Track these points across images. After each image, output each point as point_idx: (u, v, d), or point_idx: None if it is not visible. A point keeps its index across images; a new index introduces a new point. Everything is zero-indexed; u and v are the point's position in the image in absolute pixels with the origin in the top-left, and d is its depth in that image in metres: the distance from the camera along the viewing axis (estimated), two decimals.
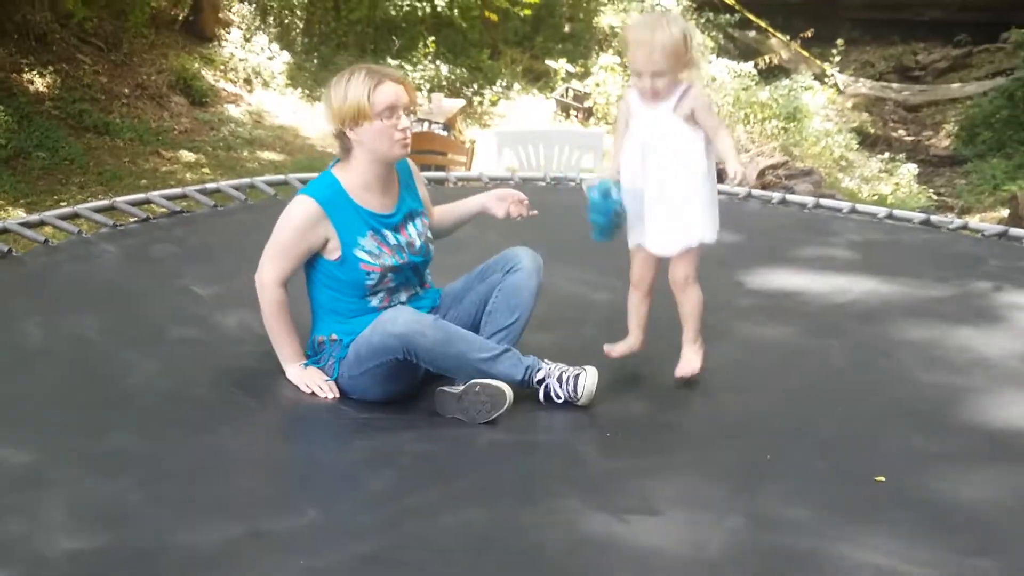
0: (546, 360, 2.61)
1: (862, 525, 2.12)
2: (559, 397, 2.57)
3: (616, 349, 2.81)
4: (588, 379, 2.56)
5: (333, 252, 2.62)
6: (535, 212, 2.89)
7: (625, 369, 2.87)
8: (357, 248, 2.61)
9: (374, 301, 2.67)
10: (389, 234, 2.67)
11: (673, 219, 2.61)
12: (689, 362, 2.73)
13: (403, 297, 2.73)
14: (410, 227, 2.73)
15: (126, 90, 9.37)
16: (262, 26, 11.28)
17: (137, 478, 2.20)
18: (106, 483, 2.17)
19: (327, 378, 2.64)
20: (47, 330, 2.93)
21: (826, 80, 13.22)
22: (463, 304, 2.79)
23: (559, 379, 2.56)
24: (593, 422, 2.57)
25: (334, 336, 2.67)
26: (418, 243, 2.74)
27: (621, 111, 2.71)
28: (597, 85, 12.27)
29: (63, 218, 3.80)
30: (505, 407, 2.49)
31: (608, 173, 2.77)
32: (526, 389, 2.58)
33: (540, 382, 2.58)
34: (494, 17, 11.24)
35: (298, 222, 2.61)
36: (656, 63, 2.46)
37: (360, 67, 2.60)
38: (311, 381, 2.64)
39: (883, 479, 2.29)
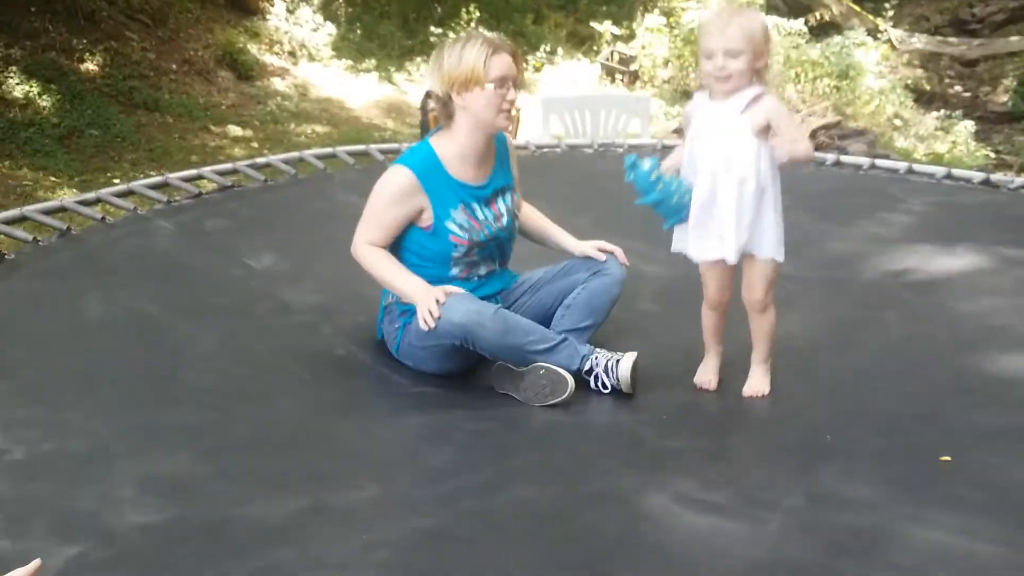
0: (598, 349, 2.60)
1: (926, 503, 2.09)
2: (606, 388, 2.57)
3: (707, 379, 2.64)
4: (623, 365, 2.55)
5: (425, 221, 2.64)
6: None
7: (679, 349, 2.85)
8: (448, 220, 2.63)
9: (455, 271, 2.69)
10: (478, 207, 2.67)
11: (715, 224, 2.42)
12: (758, 383, 2.60)
13: (482, 271, 2.75)
14: (500, 201, 2.73)
15: (174, 66, 9.45)
16: None
17: (200, 451, 2.25)
18: (170, 456, 2.22)
19: (448, 293, 2.55)
20: (107, 306, 3.00)
21: (879, 36, 12.85)
22: (539, 294, 2.79)
23: (606, 368, 2.56)
24: (649, 405, 2.57)
25: (405, 301, 2.67)
26: (505, 219, 2.74)
27: (685, 114, 2.59)
28: (643, 48, 12.08)
29: (118, 195, 3.86)
30: (566, 395, 2.50)
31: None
32: (583, 377, 2.58)
33: (589, 372, 2.57)
34: None
35: (394, 191, 2.63)
36: (731, 39, 2.30)
37: (476, 34, 2.62)
38: (431, 300, 2.52)
39: (948, 459, 2.24)
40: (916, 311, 3.13)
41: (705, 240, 2.45)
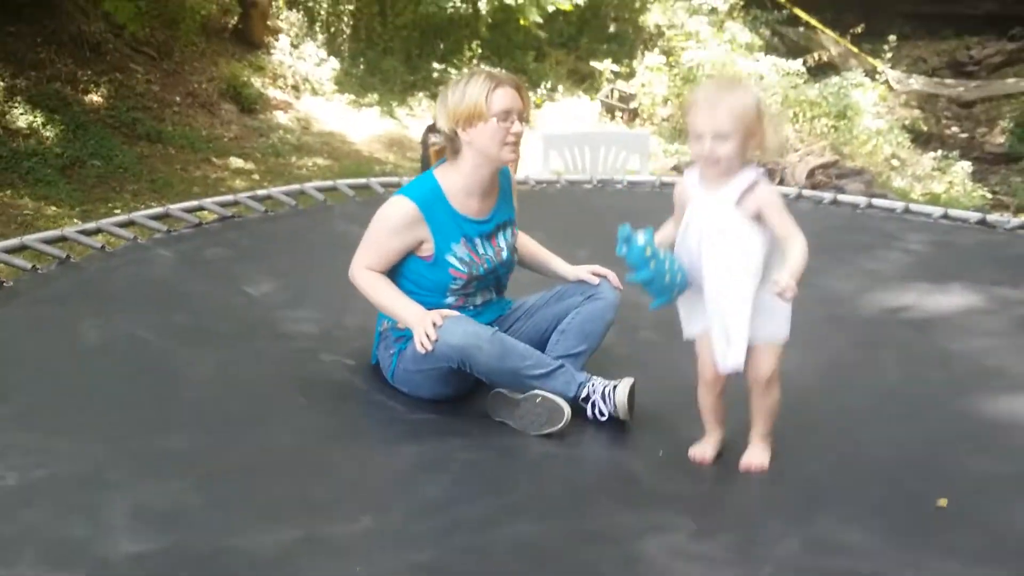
0: (595, 377, 2.60)
1: (923, 549, 2.07)
2: (603, 414, 2.56)
3: (706, 453, 2.45)
4: (619, 391, 2.54)
5: (426, 252, 2.65)
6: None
7: (676, 380, 2.83)
8: (449, 253, 2.64)
9: (450, 299, 2.70)
10: (480, 242, 2.69)
11: (736, 328, 2.27)
12: (758, 456, 2.41)
13: (478, 300, 2.76)
14: (501, 236, 2.75)
15: (177, 98, 9.53)
16: (310, 33, 11.41)
17: (195, 479, 2.24)
18: (165, 484, 2.22)
19: (444, 316, 2.55)
20: (105, 333, 3.01)
21: (877, 77, 12.98)
22: (534, 319, 2.80)
23: (603, 395, 2.56)
24: (646, 439, 2.55)
25: (401, 326, 2.68)
26: (505, 253, 2.76)
27: (676, 195, 2.40)
28: (643, 86, 12.20)
29: (119, 225, 3.88)
30: (561, 424, 2.49)
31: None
32: (579, 404, 2.57)
33: (586, 400, 2.57)
34: (525, 21, 11.22)
35: (393, 222, 2.65)
36: (720, 122, 2.16)
37: (480, 70, 2.65)
38: (427, 323, 2.52)
39: (945, 503, 2.23)
40: (912, 351, 3.13)
41: (701, 316, 2.33)
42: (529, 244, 2.95)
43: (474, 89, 2.57)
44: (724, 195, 2.23)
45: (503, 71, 2.65)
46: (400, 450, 2.51)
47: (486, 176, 2.66)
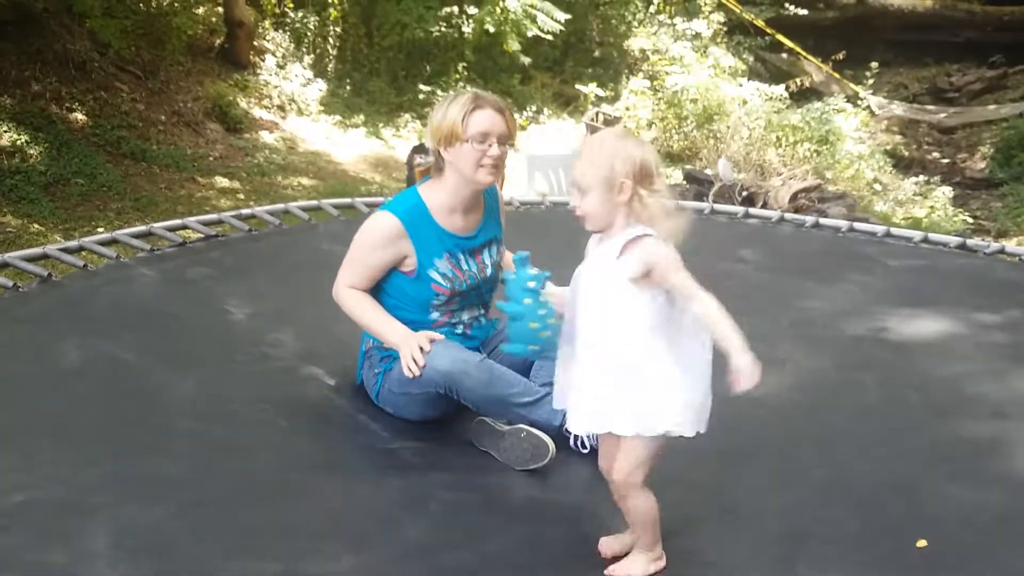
0: None
1: None
2: (585, 447, 2.55)
3: (608, 545, 2.18)
4: None
5: (408, 267, 2.65)
6: None
7: None
8: (432, 269, 2.64)
9: (434, 315, 2.69)
10: (464, 258, 2.69)
11: (586, 390, 1.99)
12: (623, 568, 2.10)
13: (465, 317, 2.75)
14: (486, 253, 2.75)
15: (163, 117, 9.52)
16: (296, 53, 11.43)
17: (175, 505, 2.22)
18: (146, 510, 2.20)
19: (432, 340, 2.53)
20: (86, 352, 2.99)
21: (859, 102, 13.13)
22: None
23: None
24: None
25: (386, 346, 2.67)
26: (489, 270, 2.76)
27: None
28: (627, 109, 12.29)
29: (102, 244, 3.86)
30: (546, 461, 2.47)
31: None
32: (563, 433, 2.52)
33: (569, 431, 2.55)
34: (510, 48, 11.31)
35: (376, 237, 2.64)
36: (580, 174, 2.00)
37: (467, 92, 2.65)
38: (414, 346, 2.51)
39: (924, 543, 2.22)
40: (892, 374, 3.15)
41: (578, 407, 2.03)
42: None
43: (455, 110, 2.58)
44: (605, 251, 2.00)
45: (490, 94, 2.65)
46: (383, 483, 2.45)
47: (467, 195, 2.67)
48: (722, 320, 1.91)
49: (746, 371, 1.86)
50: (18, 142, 7.89)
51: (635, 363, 1.94)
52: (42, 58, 8.79)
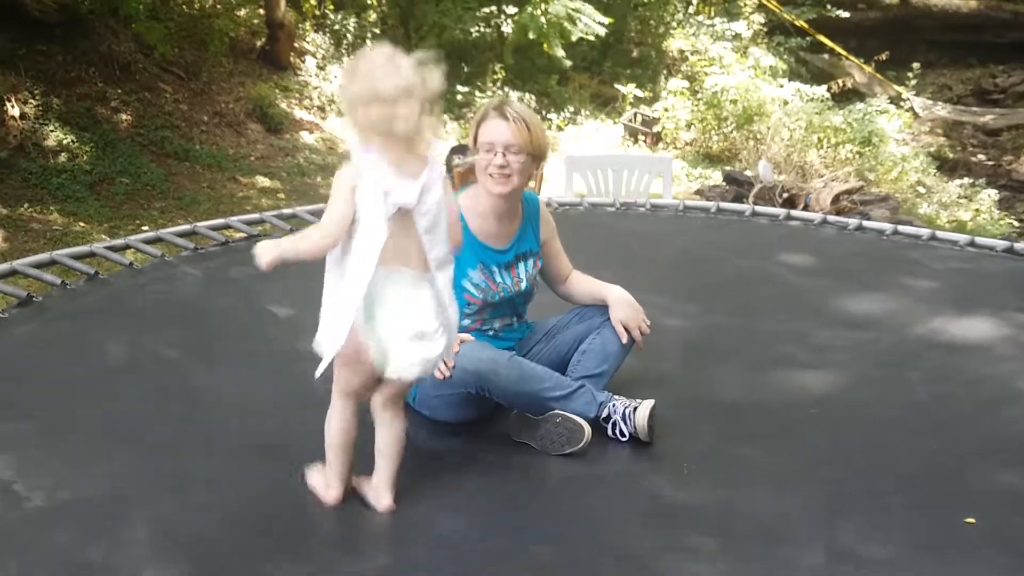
0: (616, 397, 2.59)
1: (946, 564, 2.06)
2: (624, 435, 2.55)
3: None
4: (640, 413, 2.53)
5: None
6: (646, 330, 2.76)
7: (700, 402, 2.84)
8: (465, 279, 2.64)
9: (466, 321, 2.69)
10: (498, 271, 2.68)
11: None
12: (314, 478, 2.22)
13: (496, 325, 2.74)
14: (520, 267, 2.73)
15: (205, 117, 9.65)
16: (336, 55, 11.53)
17: (216, 504, 2.23)
18: (186, 508, 2.21)
19: (461, 341, 2.51)
20: (132, 350, 3.03)
21: (902, 104, 12.95)
22: (555, 341, 2.78)
23: (623, 416, 2.55)
24: (668, 456, 2.53)
25: None
26: (524, 284, 2.74)
27: None
28: (666, 110, 12.24)
29: (147, 242, 3.92)
30: (582, 444, 2.47)
31: None
32: (600, 424, 2.56)
33: (606, 420, 2.56)
34: (550, 51, 11.31)
35: None
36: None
37: (496, 100, 2.65)
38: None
39: (973, 520, 2.21)
40: (939, 373, 3.10)
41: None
42: (582, 282, 2.87)
43: (476, 118, 2.63)
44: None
45: (516, 103, 2.64)
46: (418, 480, 2.45)
47: (497, 204, 2.65)
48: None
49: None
50: (65, 141, 8.04)
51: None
52: (88, 60, 8.95)
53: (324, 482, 2.21)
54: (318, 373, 2.06)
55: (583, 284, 2.85)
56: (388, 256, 1.93)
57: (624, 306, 2.73)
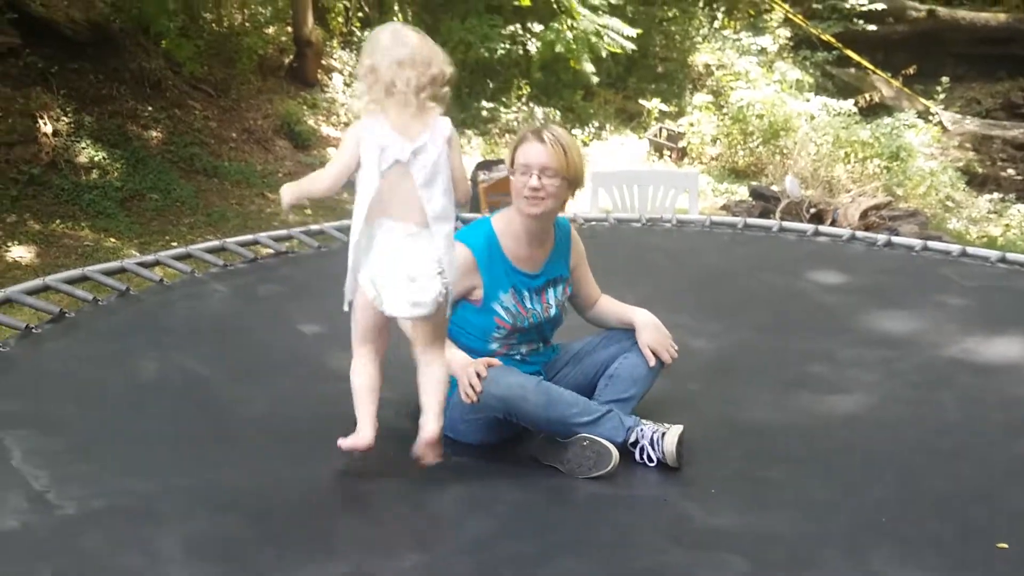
0: (644, 421, 2.58)
1: None
2: (651, 460, 2.53)
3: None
4: (668, 439, 2.51)
5: (476, 297, 2.66)
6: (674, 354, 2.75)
7: (728, 423, 2.82)
8: (496, 302, 2.65)
9: (494, 346, 2.69)
10: (528, 295, 2.69)
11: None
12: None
13: (523, 349, 2.75)
14: (550, 293, 2.73)
15: (234, 134, 9.76)
16: None
17: (246, 514, 2.26)
18: (218, 518, 2.24)
19: (489, 365, 2.53)
20: (163, 366, 3.06)
21: (930, 118, 12.85)
22: (582, 364, 2.77)
23: (651, 441, 2.53)
24: (696, 478, 2.52)
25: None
26: (553, 310, 2.74)
27: None
28: (691, 125, 12.21)
29: (176, 258, 3.96)
30: (610, 468, 2.46)
31: None
32: (628, 448, 2.55)
33: (634, 444, 2.55)
34: (577, 66, 11.35)
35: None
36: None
37: (533, 123, 2.69)
38: (471, 372, 2.51)
39: (1006, 546, 2.18)
40: (970, 393, 3.07)
41: None
42: (609, 306, 2.87)
43: (515, 140, 2.66)
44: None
45: (555, 127, 2.66)
46: (446, 490, 2.49)
47: (530, 226, 2.66)
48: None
49: None
50: (96, 158, 8.16)
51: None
52: (119, 77, 9.08)
53: (351, 437, 2.36)
54: (345, 307, 2.34)
55: (611, 308, 2.85)
56: (387, 207, 2.17)
57: (651, 330, 2.72)
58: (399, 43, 2.12)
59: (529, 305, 2.69)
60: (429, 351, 2.33)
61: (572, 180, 2.62)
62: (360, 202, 2.18)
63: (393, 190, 2.15)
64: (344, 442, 2.36)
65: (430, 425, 2.31)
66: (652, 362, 2.69)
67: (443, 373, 2.34)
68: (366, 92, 2.16)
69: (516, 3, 12.01)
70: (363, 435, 2.34)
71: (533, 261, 2.70)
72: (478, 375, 2.51)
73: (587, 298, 2.86)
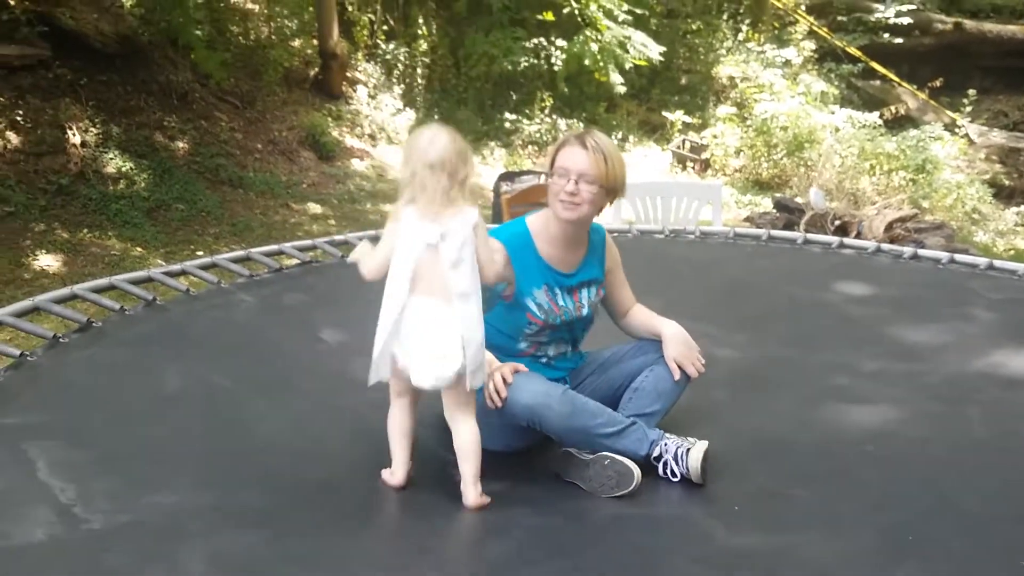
0: (668, 435, 2.56)
1: None
2: (675, 476, 2.51)
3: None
4: (693, 455, 2.49)
5: (508, 294, 2.65)
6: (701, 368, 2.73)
7: (752, 438, 2.80)
8: (529, 297, 2.65)
9: (523, 344, 2.69)
10: (561, 293, 2.69)
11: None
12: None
13: (551, 351, 2.74)
14: (583, 293, 2.74)
15: (259, 145, 9.84)
16: (387, 84, 11.69)
17: (268, 533, 2.26)
18: (240, 536, 2.24)
19: (515, 371, 2.53)
20: (187, 378, 3.08)
21: (957, 130, 12.74)
22: (608, 374, 2.76)
23: (675, 456, 2.52)
24: (720, 495, 2.50)
25: None
26: (585, 310, 2.74)
27: None
28: (715, 137, 12.18)
29: (202, 268, 4.00)
30: (631, 488, 2.44)
31: None
32: (651, 463, 2.53)
33: (658, 459, 2.53)
34: (603, 78, 11.35)
35: None
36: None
37: (579, 129, 2.70)
38: (497, 377, 2.51)
39: None
40: (999, 408, 3.03)
41: None
42: (640, 315, 2.86)
43: (557, 143, 2.66)
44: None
45: (599, 134, 2.66)
46: (467, 511, 2.47)
47: (567, 228, 2.66)
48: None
49: None
50: (123, 169, 8.25)
51: None
52: (147, 89, 9.18)
53: (390, 471, 2.51)
54: (369, 383, 2.46)
55: (641, 317, 2.85)
56: (417, 286, 2.35)
57: (678, 343, 2.70)
58: (433, 147, 2.34)
59: (562, 303, 2.68)
60: (458, 416, 2.45)
61: (610, 189, 2.62)
62: (393, 282, 2.37)
63: (423, 271, 2.35)
64: (383, 475, 2.52)
65: (469, 494, 2.43)
66: (677, 375, 2.67)
67: (473, 437, 2.44)
68: (405, 188, 2.38)
69: (540, 17, 12.06)
70: (396, 477, 2.50)
71: (567, 262, 2.71)
72: (504, 381, 2.51)
73: (620, 304, 2.86)
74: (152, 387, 2.99)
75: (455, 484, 2.46)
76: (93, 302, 3.61)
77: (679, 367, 2.67)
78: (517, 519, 2.40)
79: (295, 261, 4.24)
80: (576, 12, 11.43)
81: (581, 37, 11.23)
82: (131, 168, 8.28)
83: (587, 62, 11.14)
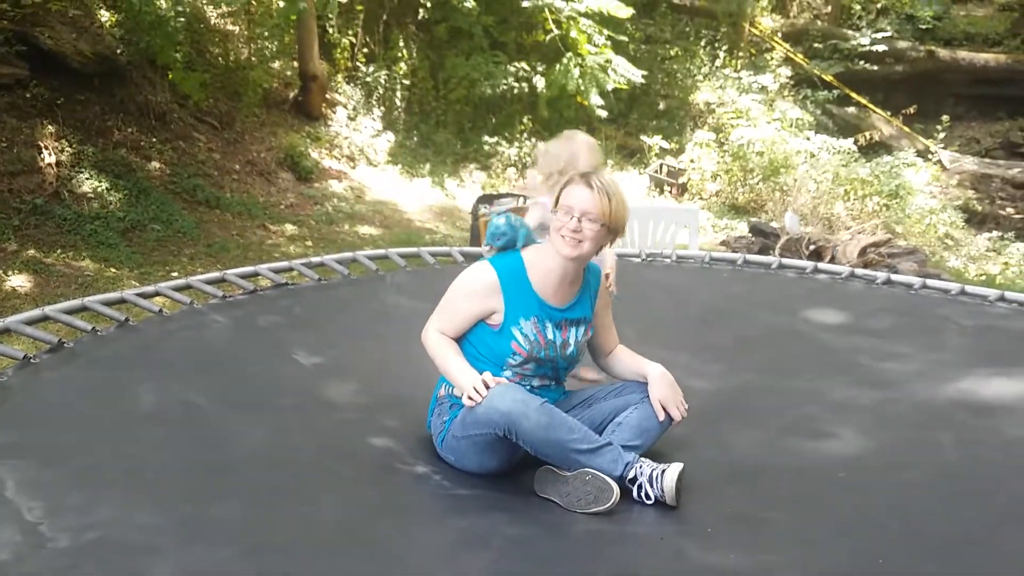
0: (643, 459, 2.57)
1: None
2: (649, 498, 2.53)
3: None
4: (667, 476, 2.51)
5: (495, 320, 2.69)
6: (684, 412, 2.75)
7: (726, 463, 2.81)
8: (516, 327, 2.67)
9: (507, 373, 2.71)
10: (551, 327, 2.70)
11: None
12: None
13: (535, 383, 2.75)
14: (572, 331, 2.75)
15: (237, 166, 9.81)
16: (367, 106, 11.71)
17: (242, 549, 2.25)
18: (212, 553, 2.22)
19: (496, 382, 2.57)
20: (160, 397, 3.05)
21: (930, 156, 12.93)
22: (590, 411, 2.77)
23: (650, 478, 2.53)
24: (693, 516, 2.51)
25: (457, 393, 2.68)
26: (571, 349, 2.76)
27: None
28: (692, 161, 12.29)
29: (176, 289, 3.97)
30: (609, 504, 2.46)
31: None
32: (625, 485, 2.54)
33: (632, 481, 2.54)
34: (585, 102, 11.44)
35: (473, 286, 2.71)
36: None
37: (582, 173, 2.73)
38: (478, 381, 2.56)
39: None
40: (970, 434, 3.06)
41: None
42: (624, 356, 2.89)
43: (563, 181, 2.72)
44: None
45: (601, 173, 2.71)
46: (445, 525, 2.49)
47: (565, 265, 2.68)
48: None
49: None
50: (99, 189, 8.20)
51: None
52: (124, 109, 9.15)
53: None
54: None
55: (625, 358, 2.88)
56: None
57: (664, 385, 2.73)
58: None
59: (550, 337, 2.70)
60: None
61: (612, 228, 2.66)
62: None
63: None
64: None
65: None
66: (661, 416, 2.69)
67: None
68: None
69: (520, 41, 12.14)
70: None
71: (559, 297, 2.72)
72: (486, 385, 2.54)
73: (604, 344, 2.89)
74: (125, 406, 2.96)
75: (433, 494, 2.46)
76: (65, 323, 3.57)
77: (663, 408, 2.69)
78: (496, 528, 2.41)
79: (271, 283, 4.22)
80: (557, 38, 11.52)
81: (563, 62, 11.31)
82: (107, 188, 8.23)
83: (570, 87, 11.21)
